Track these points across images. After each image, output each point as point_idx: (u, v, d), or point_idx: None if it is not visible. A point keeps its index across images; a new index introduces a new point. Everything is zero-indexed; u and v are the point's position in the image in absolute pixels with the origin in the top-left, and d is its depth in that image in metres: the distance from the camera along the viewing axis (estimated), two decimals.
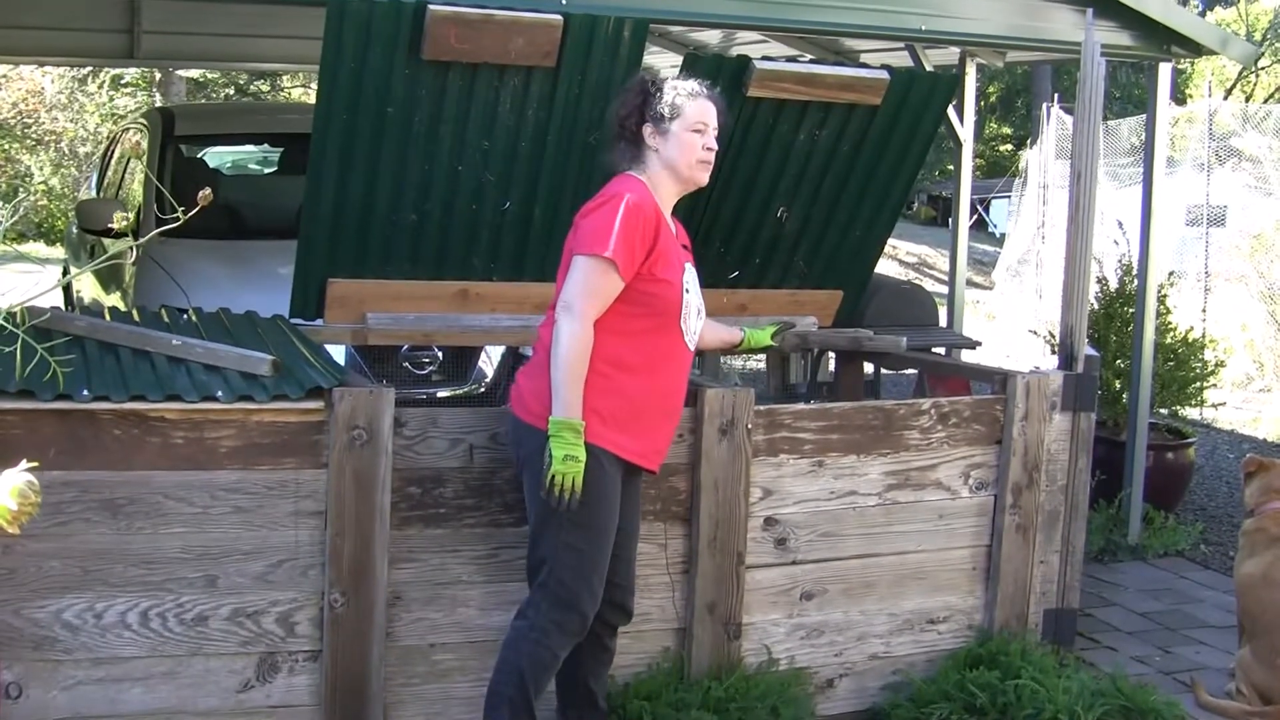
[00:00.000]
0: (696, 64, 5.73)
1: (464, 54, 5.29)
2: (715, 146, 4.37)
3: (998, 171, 33.31)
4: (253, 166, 13.16)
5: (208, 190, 3.10)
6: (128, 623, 4.22)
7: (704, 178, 4.38)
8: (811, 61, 6.58)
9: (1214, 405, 9.81)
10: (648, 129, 4.31)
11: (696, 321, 4.42)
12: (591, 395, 4.14)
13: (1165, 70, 7.37)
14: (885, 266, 19.41)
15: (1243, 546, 5.80)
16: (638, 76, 4.46)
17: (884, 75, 6.08)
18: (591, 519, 4.22)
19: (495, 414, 4.63)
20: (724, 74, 5.76)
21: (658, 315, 4.26)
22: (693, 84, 4.36)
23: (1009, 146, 37.89)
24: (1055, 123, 17.03)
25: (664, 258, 4.22)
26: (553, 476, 4.06)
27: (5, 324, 3.38)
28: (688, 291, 4.34)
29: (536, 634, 4.26)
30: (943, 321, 8.82)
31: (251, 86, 24.82)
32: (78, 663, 4.18)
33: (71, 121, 23.11)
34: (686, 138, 4.28)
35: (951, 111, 7.80)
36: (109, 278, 8.05)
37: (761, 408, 5.04)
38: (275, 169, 10.58)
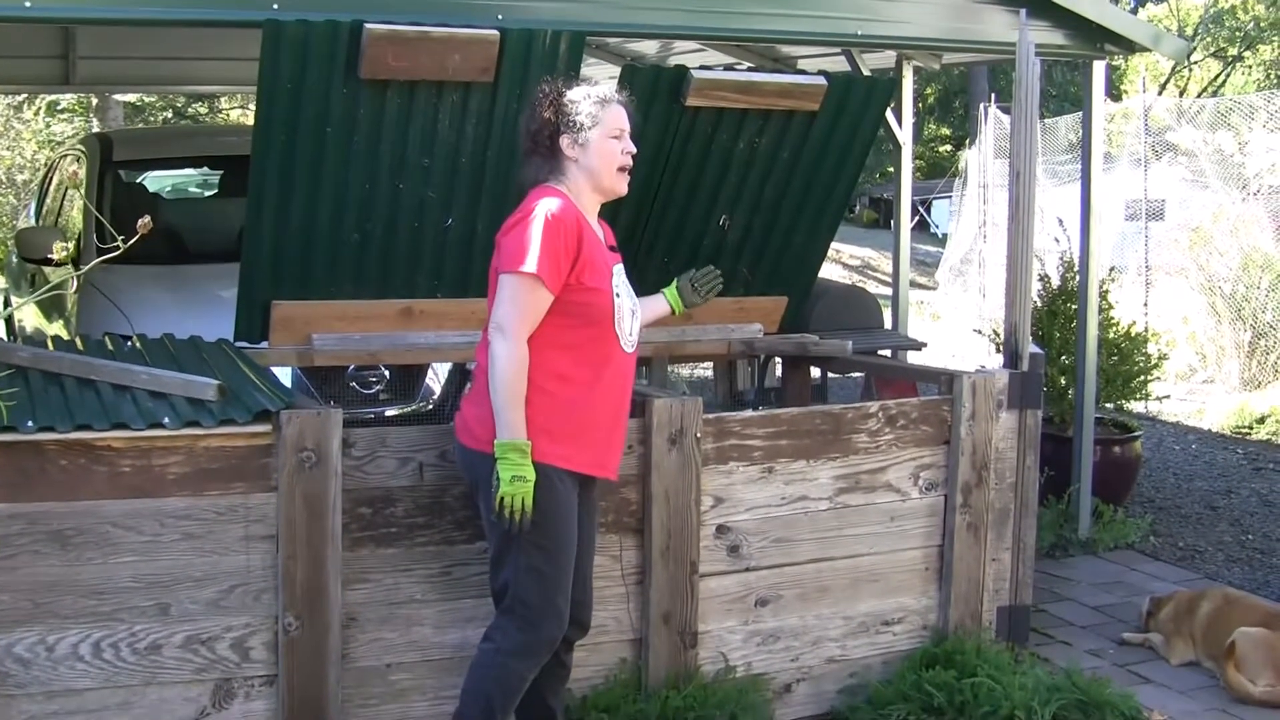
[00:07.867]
0: (635, 75, 5.75)
1: (401, 72, 5.29)
2: (634, 150, 4.37)
3: (938, 172, 33.47)
4: (193, 190, 13.06)
5: (147, 219, 3.08)
6: (80, 654, 4.18)
7: (624, 186, 4.37)
8: (749, 69, 6.61)
9: (1158, 398, 9.86)
10: (565, 140, 4.27)
11: (631, 323, 4.40)
12: (537, 413, 4.13)
13: (1100, 68, 7.44)
14: (829, 270, 19.52)
15: (1174, 629, 6.06)
16: (543, 89, 4.37)
17: (821, 81, 6.12)
18: (550, 539, 4.21)
19: (444, 431, 4.62)
20: (662, 84, 5.78)
21: (592, 324, 4.24)
22: (602, 89, 4.33)
23: (948, 147, 38.07)
24: (993, 122, 17.14)
25: (591, 265, 4.21)
26: (502, 499, 4.05)
27: None
28: (618, 296, 4.32)
29: (503, 657, 4.24)
30: (887, 323, 8.86)
31: (190, 109, 24.67)
32: (31, 696, 4.14)
33: (8, 149, 22.86)
34: (606, 145, 4.27)
35: (890, 114, 7.84)
36: (51, 306, 8.00)
37: (710, 416, 5.05)
38: (216, 192, 10.52)
